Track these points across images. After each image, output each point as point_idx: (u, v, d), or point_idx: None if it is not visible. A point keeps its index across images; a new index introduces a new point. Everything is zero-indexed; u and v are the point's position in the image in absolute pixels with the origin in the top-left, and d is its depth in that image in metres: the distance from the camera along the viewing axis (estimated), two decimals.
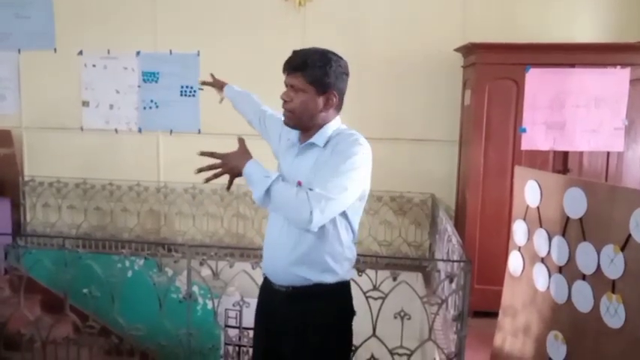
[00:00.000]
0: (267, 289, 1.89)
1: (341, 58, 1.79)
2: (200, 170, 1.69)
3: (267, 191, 1.66)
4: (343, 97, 1.81)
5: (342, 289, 1.85)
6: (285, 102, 1.77)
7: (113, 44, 4.35)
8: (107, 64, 4.39)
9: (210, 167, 1.70)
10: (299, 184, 1.72)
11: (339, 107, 1.82)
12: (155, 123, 4.40)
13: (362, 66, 3.68)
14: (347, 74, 1.80)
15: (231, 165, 1.71)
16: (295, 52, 1.77)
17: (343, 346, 1.89)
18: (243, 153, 1.74)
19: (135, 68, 4.36)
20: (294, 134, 1.86)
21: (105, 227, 4.47)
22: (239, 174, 1.72)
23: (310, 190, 1.63)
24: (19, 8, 4.42)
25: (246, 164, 1.70)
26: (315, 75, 1.72)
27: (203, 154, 1.69)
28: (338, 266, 1.79)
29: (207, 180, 1.71)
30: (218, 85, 2.53)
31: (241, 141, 1.77)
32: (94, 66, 4.40)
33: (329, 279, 1.78)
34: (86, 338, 2.67)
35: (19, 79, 4.51)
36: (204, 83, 2.60)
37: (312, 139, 1.78)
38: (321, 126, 1.78)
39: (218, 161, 1.71)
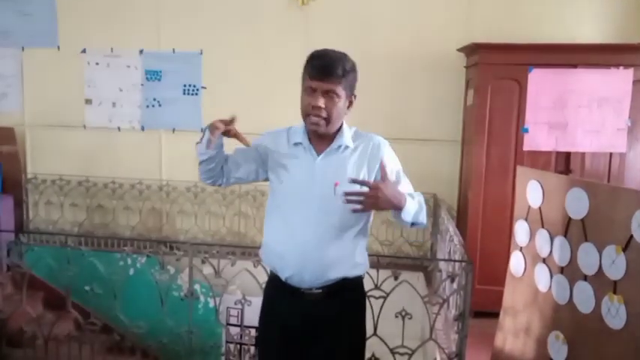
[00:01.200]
0: (282, 291, 1.81)
1: None
2: (347, 196, 1.60)
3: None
4: None
5: (362, 280, 1.91)
6: (317, 108, 1.69)
7: (116, 42, 4.36)
8: (110, 63, 4.39)
9: (359, 193, 1.60)
10: (336, 185, 1.72)
11: None
12: (158, 121, 4.40)
13: (365, 65, 3.63)
14: None
15: (386, 198, 1.60)
16: (330, 58, 1.69)
17: (364, 334, 1.95)
18: (395, 186, 1.68)
19: (138, 66, 4.36)
20: (297, 137, 1.79)
21: (107, 225, 4.48)
22: (388, 208, 1.66)
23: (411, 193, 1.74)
24: (22, 6, 4.42)
25: (407, 200, 1.66)
26: (350, 81, 1.73)
27: (354, 181, 1.64)
28: (364, 258, 1.87)
29: (348, 200, 1.60)
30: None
31: (384, 168, 1.69)
32: (97, 64, 4.41)
33: (359, 272, 1.84)
34: (88, 335, 2.68)
35: (22, 77, 4.52)
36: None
37: (343, 142, 1.78)
38: (340, 128, 1.79)
39: (365, 189, 1.61)
